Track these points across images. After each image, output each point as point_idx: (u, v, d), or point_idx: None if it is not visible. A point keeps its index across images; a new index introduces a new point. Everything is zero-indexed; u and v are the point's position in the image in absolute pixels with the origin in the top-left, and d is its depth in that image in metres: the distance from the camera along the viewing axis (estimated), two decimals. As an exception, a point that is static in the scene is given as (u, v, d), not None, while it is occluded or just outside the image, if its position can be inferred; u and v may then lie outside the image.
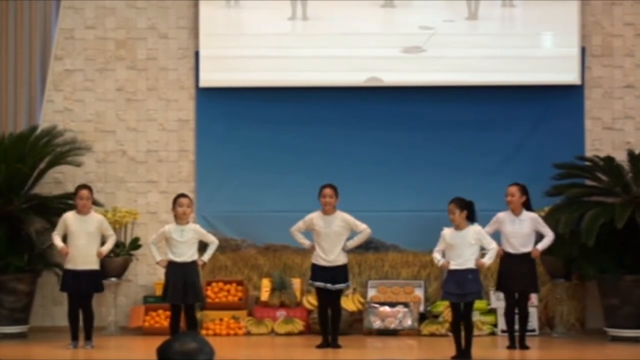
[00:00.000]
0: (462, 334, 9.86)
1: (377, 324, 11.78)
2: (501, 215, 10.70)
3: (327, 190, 10.87)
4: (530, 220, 10.69)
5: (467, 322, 9.87)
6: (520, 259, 10.55)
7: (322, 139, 12.44)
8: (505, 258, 10.51)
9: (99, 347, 10.80)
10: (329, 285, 10.75)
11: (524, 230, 10.63)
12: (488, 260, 9.89)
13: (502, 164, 12.14)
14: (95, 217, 10.95)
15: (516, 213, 10.69)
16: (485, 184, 11.22)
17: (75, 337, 10.76)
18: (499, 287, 10.77)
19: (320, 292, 10.88)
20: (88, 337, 10.78)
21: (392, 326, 11.74)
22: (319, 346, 10.73)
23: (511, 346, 10.59)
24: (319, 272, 10.79)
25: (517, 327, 10.60)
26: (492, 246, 9.94)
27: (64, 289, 10.85)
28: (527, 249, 10.64)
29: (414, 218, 12.15)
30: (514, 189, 10.76)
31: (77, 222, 10.79)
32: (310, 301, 11.82)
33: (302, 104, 12.47)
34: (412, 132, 12.41)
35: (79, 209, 10.85)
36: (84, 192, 10.88)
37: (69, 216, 10.84)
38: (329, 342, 10.74)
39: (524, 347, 10.59)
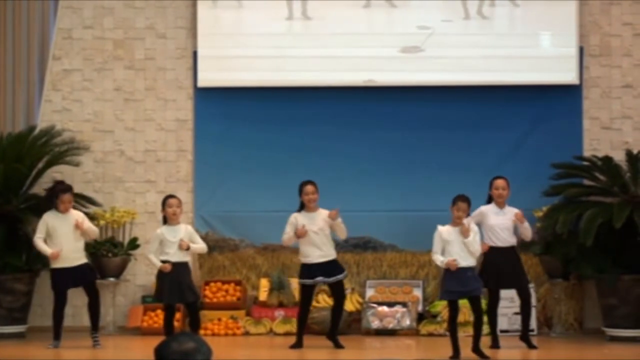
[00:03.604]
0: (461, 331, 9.88)
1: (375, 324, 11.78)
2: (484, 208, 10.67)
3: (310, 187, 10.79)
4: (513, 214, 10.69)
5: (479, 315, 9.90)
6: (505, 253, 10.52)
7: (321, 139, 12.44)
8: (491, 253, 10.44)
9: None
10: (319, 279, 10.66)
11: (508, 223, 10.63)
12: (473, 238, 9.85)
13: (500, 164, 12.12)
14: (74, 213, 10.92)
15: (502, 206, 10.69)
16: (484, 184, 11.19)
17: (57, 337, 10.77)
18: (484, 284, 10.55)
19: (305, 290, 10.81)
20: (95, 327, 10.79)
21: (391, 326, 11.74)
22: (293, 346, 10.70)
23: (494, 346, 10.55)
24: (311, 270, 10.69)
25: (500, 326, 10.63)
26: (478, 248, 9.94)
27: (59, 287, 10.84)
28: (514, 241, 10.64)
29: (412, 218, 12.14)
30: (504, 183, 10.75)
31: (59, 221, 10.78)
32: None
33: (300, 104, 12.47)
34: (411, 132, 12.41)
35: (61, 210, 10.81)
36: (67, 197, 10.83)
37: (49, 216, 10.82)
38: (303, 343, 10.71)
39: (531, 345, 10.59)
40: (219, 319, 11.93)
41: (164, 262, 10.40)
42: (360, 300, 12.07)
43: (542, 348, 10.82)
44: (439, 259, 9.84)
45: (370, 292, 12.14)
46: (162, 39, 12.60)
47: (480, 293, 9.93)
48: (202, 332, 11.36)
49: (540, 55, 12.30)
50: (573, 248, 11.38)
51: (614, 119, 12.35)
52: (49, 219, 10.80)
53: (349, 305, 11.90)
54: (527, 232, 10.72)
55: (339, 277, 10.75)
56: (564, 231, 11.32)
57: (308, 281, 10.73)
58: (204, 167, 12.54)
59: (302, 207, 10.84)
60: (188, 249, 10.46)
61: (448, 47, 12.25)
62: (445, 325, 11.40)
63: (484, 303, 10.40)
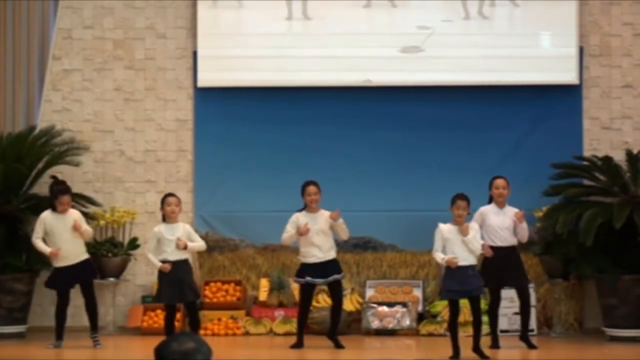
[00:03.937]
0: (461, 331, 9.87)
1: (375, 324, 11.78)
2: (484, 208, 10.66)
3: (312, 188, 10.80)
4: (513, 213, 10.67)
5: (478, 315, 9.89)
6: (506, 251, 10.51)
7: (321, 138, 12.44)
8: (493, 252, 10.40)
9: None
10: (317, 280, 10.68)
11: (508, 222, 10.62)
12: (473, 236, 9.82)
13: (500, 164, 12.12)
14: (72, 212, 10.91)
15: (502, 206, 10.68)
16: (484, 184, 11.20)
17: (60, 337, 10.78)
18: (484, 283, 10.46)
19: (304, 290, 10.81)
20: (94, 328, 10.80)
21: (391, 326, 11.74)
22: (293, 346, 10.71)
23: (494, 346, 10.54)
24: (306, 270, 10.71)
25: (500, 326, 10.62)
26: (478, 246, 9.90)
27: (55, 286, 10.84)
28: (514, 241, 10.63)
29: (412, 218, 12.14)
30: (504, 182, 10.74)
31: (56, 220, 10.76)
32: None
33: (300, 104, 12.47)
34: (411, 132, 12.41)
35: (59, 211, 10.79)
36: (65, 198, 10.80)
37: (47, 216, 10.79)
38: (303, 343, 10.73)
39: (531, 345, 10.59)
40: (219, 319, 11.93)
41: (163, 261, 10.39)
42: (360, 300, 12.06)
43: (542, 348, 10.82)
44: (439, 256, 9.83)
45: (370, 292, 12.14)
46: (162, 39, 12.60)
47: (481, 293, 9.93)
48: (202, 332, 11.36)
49: (540, 55, 12.30)
50: (573, 248, 11.38)
51: (614, 119, 12.35)
52: (47, 219, 10.78)
53: (349, 305, 11.90)
54: (524, 232, 10.68)
55: (336, 277, 10.75)
56: (564, 231, 11.32)
57: (300, 280, 10.74)
58: (204, 167, 12.54)
59: (304, 207, 10.85)
60: (185, 247, 10.44)
61: (448, 47, 12.25)
62: (445, 325, 11.40)
63: (484, 303, 10.41)
